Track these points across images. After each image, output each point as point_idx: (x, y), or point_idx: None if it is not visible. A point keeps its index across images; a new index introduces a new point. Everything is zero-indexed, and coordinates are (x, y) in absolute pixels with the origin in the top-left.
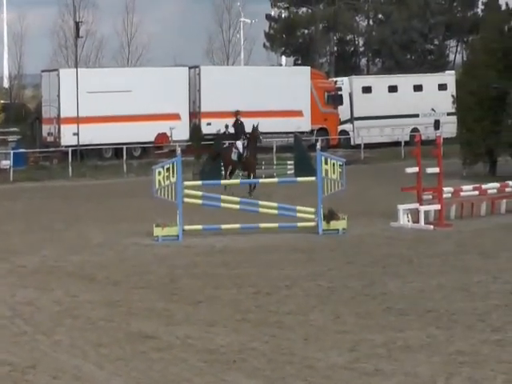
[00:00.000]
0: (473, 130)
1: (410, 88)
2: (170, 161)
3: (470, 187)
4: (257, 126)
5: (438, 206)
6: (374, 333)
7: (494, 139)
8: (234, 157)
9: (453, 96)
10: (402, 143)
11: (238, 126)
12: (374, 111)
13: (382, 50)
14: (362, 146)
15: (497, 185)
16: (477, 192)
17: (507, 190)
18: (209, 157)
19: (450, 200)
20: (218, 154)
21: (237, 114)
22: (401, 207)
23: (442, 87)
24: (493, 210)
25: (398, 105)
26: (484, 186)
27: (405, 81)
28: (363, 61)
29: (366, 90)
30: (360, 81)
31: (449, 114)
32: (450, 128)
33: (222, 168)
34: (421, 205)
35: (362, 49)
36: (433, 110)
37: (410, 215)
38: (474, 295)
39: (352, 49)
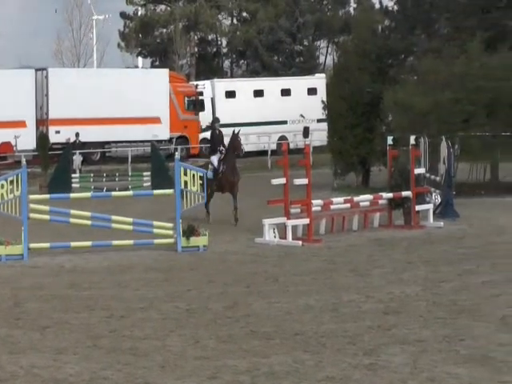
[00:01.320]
0: (344, 138)
1: (277, 92)
2: (14, 172)
3: (340, 199)
4: (237, 133)
5: (306, 221)
6: (236, 358)
7: (366, 147)
8: (209, 175)
9: (323, 101)
10: (269, 152)
11: (216, 136)
12: (239, 118)
13: (247, 51)
14: None
15: (370, 197)
16: (348, 205)
17: (380, 202)
18: (57, 168)
19: (319, 214)
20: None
21: (214, 122)
22: (266, 222)
23: (312, 92)
24: (365, 223)
25: (264, 111)
26: (356, 199)
27: (271, 85)
28: (227, 63)
29: (230, 94)
30: (223, 85)
31: (319, 121)
32: (320, 136)
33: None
34: (288, 219)
35: (225, 50)
36: (302, 116)
37: (276, 230)
38: (345, 316)
39: (214, 50)
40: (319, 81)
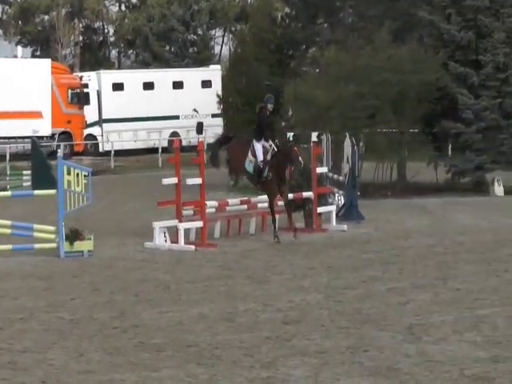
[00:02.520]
0: None
1: (168, 85)
2: None
3: (237, 200)
4: (295, 138)
5: (200, 223)
6: (124, 372)
7: None
8: (249, 167)
9: (218, 95)
10: (160, 149)
11: (264, 118)
12: (127, 112)
13: (136, 40)
14: (113, 153)
15: None
16: (245, 206)
17: (280, 203)
18: None
19: (214, 216)
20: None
21: (267, 101)
22: (157, 225)
23: (206, 84)
24: (263, 226)
25: (154, 105)
26: (254, 199)
27: (163, 76)
28: (114, 53)
29: (117, 87)
30: (110, 76)
31: (214, 116)
32: (214, 132)
33: None
34: (180, 222)
35: (112, 39)
36: (195, 110)
37: (167, 234)
38: (241, 326)
39: (100, 38)
40: (214, 73)
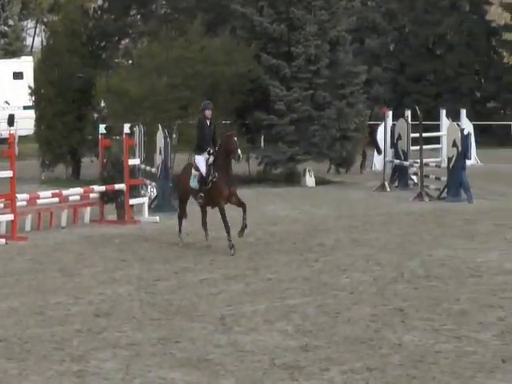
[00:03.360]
0: (53, 127)
1: None
2: None
3: (48, 193)
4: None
5: (10, 216)
6: None
7: (77, 137)
8: (193, 183)
9: (30, 86)
10: None
11: (205, 128)
12: None
13: None
14: None
15: (80, 190)
16: (57, 199)
17: (92, 195)
18: None
19: (24, 209)
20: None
21: (205, 107)
22: None
23: (18, 76)
24: (75, 219)
25: None
26: (65, 192)
27: None
28: None
29: None
30: None
31: (26, 108)
32: (26, 124)
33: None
34: None
35: None
36: (6, 102)
37: None
38: (52, 319)
39: None
40: (26, 64)
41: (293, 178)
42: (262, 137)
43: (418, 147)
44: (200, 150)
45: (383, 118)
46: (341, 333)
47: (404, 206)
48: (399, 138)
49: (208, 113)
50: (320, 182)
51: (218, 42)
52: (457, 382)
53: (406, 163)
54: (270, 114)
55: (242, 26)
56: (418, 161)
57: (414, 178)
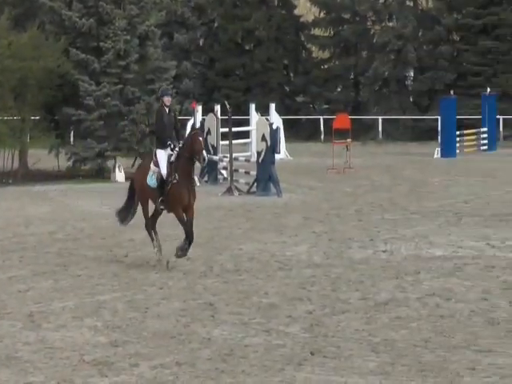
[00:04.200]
0: None
1: None
2: None
3: None
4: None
5: None
6: None
7: None
8: (151, 180)
9: None
10: None
11: (165, 119)
12: None
13: None
14: None
15: None
16: None
17: None
18: None
19: None
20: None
21: (162, 94)
22: None
23: None
24: None
25: None
26: None
27: None
28: None
29: None
30: None
31: None
32: None
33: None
34: None
35: None
36: None
37: None
38: None
39: None
40: None
41: (103, 174)
42: (72, 132)
43: (227, 142)
44: (161, 145)
45: (193, 113)
46: (150, 328)
47: (214, 200)
48: (209, 132)
49: (167, 100)
50: (130, 177)
51: (25, 37)
52: (266, 374)
53: (216, 158)
54: (79, 109)
55: (51, 21)
56: (228, 155)
57: (223, 172)
